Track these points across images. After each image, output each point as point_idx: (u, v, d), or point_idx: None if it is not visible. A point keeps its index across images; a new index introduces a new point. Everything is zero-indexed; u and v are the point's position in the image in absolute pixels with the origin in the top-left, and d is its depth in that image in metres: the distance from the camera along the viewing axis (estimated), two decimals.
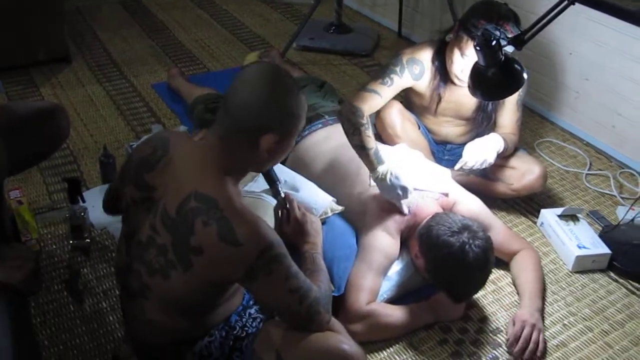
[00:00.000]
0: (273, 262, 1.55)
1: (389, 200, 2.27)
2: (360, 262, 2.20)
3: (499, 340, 2.16)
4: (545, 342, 2.12)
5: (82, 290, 2.26)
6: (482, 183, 2.68)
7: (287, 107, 1.59)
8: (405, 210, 2.27)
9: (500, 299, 2.32)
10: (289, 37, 4.06)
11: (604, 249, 2.45)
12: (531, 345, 2.07)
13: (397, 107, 2.63)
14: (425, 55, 2.51)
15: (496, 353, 2.11)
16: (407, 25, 4.35)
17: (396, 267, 2.27)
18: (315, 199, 2.32)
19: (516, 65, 2.21)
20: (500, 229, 2.39)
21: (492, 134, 2.53)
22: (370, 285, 2.13)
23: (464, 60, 2.37)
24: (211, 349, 1.77)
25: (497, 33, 2.17)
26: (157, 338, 1.75)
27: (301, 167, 2.52)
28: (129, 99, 3.49)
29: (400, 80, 2.47)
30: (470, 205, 2.39)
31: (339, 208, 2.35)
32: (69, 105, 3.37)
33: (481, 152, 2.45)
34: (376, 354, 2.09)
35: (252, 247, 1.52)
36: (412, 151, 2.49)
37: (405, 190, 2.23)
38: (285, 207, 1.97)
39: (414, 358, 2.08)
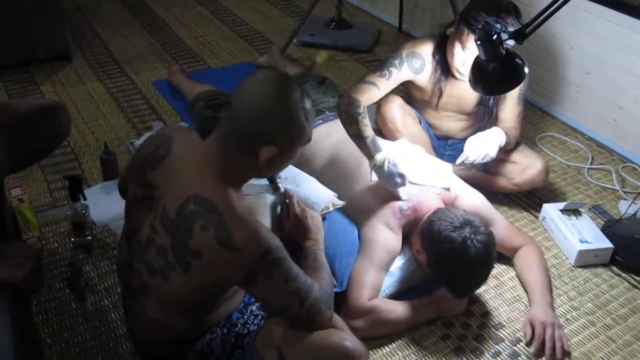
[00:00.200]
0: (272, 266, 1.54)
1: (387, 188, 2.27)
2: (361, 258, 2.20)
3: (502, 335, 2.16)
4: (566, 337, 2.13)
5: (84, 288, 2.26)
6: (483, 178, 2.67)
7: (289, 122, 1.56)
8: (404, 197, 2.27)
9: (502, 294, 2.32)
10: (289, 33, 4.05)
11: (607, 244, 2.45)
12: (557, 343, 2.07)
13: (398, 102, 2.63)
14: (426, 49, 2.50)
15: (499, 348, 2.11)
16: (408, 21, 4.34)
17: (398, 263, 2.27)
18: (317, 193, 2.31)
19: (517, 60, 2.20)
20: (502, 223, 2.39)
21: (493, 128, 2.52)
22: (372, 281, 2.13)
23: (465, 53, 2.37)
24: (212, 346, 1.77)
25: (498, 26, 2.17)
26: (159, 336, 1.75)
27: (302, 162, 2.52)
28: (130, 96, 3.48)
29: (399, 73, 2.47)
30: (472, 200, 2.38)
31: (340, 203, 2.35)
32: (69, 102, 3.37)
33: (483, 146, 2.44)
34: (378, 350, 2.08)
35: (250, 252, 1.51)
36: (413, 146, 2.49)
37: (403, 177, 2.23)
38: (285, 203, 1.97)
39: (416, 354, 2.08)
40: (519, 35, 2.13)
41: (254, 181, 2.32)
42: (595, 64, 3.15)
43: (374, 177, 2.33)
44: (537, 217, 2.69)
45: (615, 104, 3.11)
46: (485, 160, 2.47)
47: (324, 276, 1.78)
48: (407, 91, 2.73)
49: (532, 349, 2.09)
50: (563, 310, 2.27)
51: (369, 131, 2.30)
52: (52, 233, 2.50)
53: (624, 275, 2.43)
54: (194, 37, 4.25)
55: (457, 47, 2.38)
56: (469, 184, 2.47)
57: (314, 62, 3.65)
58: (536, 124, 3.35)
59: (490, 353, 2.09)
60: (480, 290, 2.28)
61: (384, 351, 2.08)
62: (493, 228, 2.20)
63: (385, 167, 2.23)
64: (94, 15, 4.49)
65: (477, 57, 2.24)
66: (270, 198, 2.19)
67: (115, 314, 2.16)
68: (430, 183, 2.38)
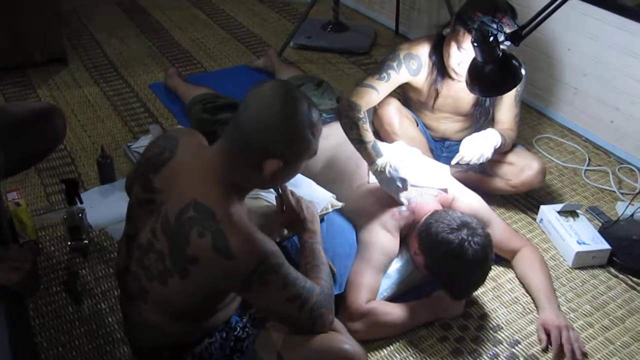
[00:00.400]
0: (269, 273, 1.53)
1: (388, 192, 2.27)
2: (359, 260, 2.20)
3: (500, 337, 2.15)
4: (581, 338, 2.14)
5: (81, 292, 2.25)
6: (480, 179, 2.67)
7: (296, 137, 1.55)
8: (405, 202, 2.27)
9: (500, 296, 2.32)
10: (285, 36, 4.05)
11: (604, 245, 2.45)
12: (574, 345, 2.08)
13: (395, 104, 2.63)
14: (423, 50, 2.50)
15: (497, 350, 2.10)
16: (404, 23, 4.34)
17: (396, 265, 2.27)
18: (315, 194, 2.31)
19: (514, 61, 2.20)
20: (500, 225, 2.39)
21: (489, 129, 2.52)
22: (369, 283, 2.13)
23: (461, 53, 2.36)
24: (211, 351, 1.76)
25: (494, 25, 2.17)
26: (156, 341, 1.74)
27: None
28: (126, 100, 3.48)
29: (397, 75, 2.47)
30: (469, 202, 2.39)
31: (339, 204, 2.34)
32: (65, 106, 3.36)
33: (478, 146, 2.44)
34: (376, 352, 2.08)
35: (246, 260, 1.50)
36: (411, 148, 2.49)
37: (404, 182, 2.23)
38: (279, 196, 1.95)
39: (414, 356, 2.07)
40: (516, 37, 2.14)
41: None
42: (591, 65, 3.15)
43: (372, 179, 2.33)
44: (534, 219, 2.69)
45: (612, 105, 3.11)
46: (480, 161, 2.47)
47: (324, 276, 1.74)
48: (403, 93, 2.73)
49: (551, 354, 2.09)
50: None
51: (369, 136, 2.30)
52: (48, 237, 2.49)
53: (621, 276, 2.43)
54: (190, 39, 4.24)
55: (453, 47, 2.38)
56: (466, 185, 2.47)
57: None
58: (533, 125, 3.35)
59: (489, 355, 2.09)
60: (478, 292, 2.28)
61: (382, 354, 2.08)
62: (490, 230, 2.21)
63: (387, 172, 2.23)
64: (90, 18, 4.48)
65: (474, 59, 2.24)
66: (266, 199, 2.18)
67: (112, 318, 2.15)
68: (428, 185, 2.38)
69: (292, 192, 1.94)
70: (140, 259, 1.66)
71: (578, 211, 2.60)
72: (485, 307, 2.27)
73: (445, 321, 2.19)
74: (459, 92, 2.53)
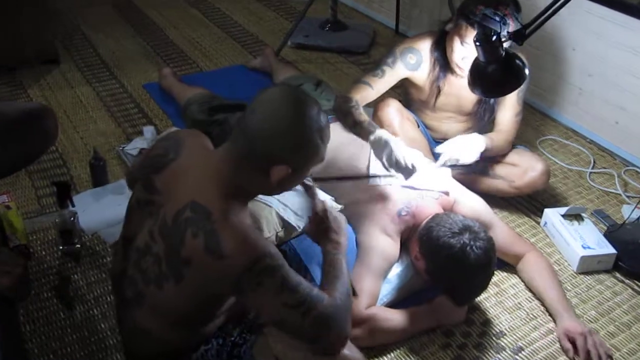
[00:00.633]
0: (264, 274, 1.49)
1: (385, 162, 2.25)
2: (358, 264, 2.18)
3: (503, 343, 2.12)
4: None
5: (73, 297, 2.22)
6: (482, 181, 2.64)
7: (305, 144, 1.54)
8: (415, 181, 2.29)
9: (503, 302, 2.28)
10: (283, 35, 4.02)
11: (610, 249, 2.42)
12: (600, 350, 2.05)
13: (396, 105, 2.60)
14: (424, 45, 2.50)
15: (500, 357, 2.08)
16: (404, 22, 4.31)
17: (396, 270, 2.25)
18: None
19: (517, 61, 2.19)
20: (502, 229, 2.37)
21: (474, 134, 2.51)
22: (369, 289, 2.10)
23: (464, 47, 2.35)
24: (208, 357, 1.73)
25: (497, 19, 2.16)
26: (152, 348, 1.72)
27: None
28: (120, 100, 3.44)
29: (392, 71, 2.49)
30: (471, 204, 2.37)
31: (338, 206, 2.33)
32: (57, 107, 3.32)
33: (458, 144, 2.44)
34: None
35: (237, 260, 1.46)
36: (411, 149, 2.45)
37: (397, 143, 2.26)
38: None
39: None
40: (519, 36, 2.11)
41: None
42: (597, 65, 3.12)
43: (371, 181, 2.32)
44: (538, 223, 2.66)
45: (617, 106, 3.08)
46: (467, 162, 2.45)
47: (339, 287, 1.66)
48: (404, 92, 2.72)
49: None
50: None
51: (363, 117, 2.40)
52: (39, 241, 2.45)
53: (627, 281, 2.40)
54: (185, 39, 4.21)
55: (456, 41, 2.36)
56: (468, 187, 2.46)
57: None
58: (537, 127, 3.32)
59: None
60: (481, 297, 2.25)
61: None
62: (493, 233, 2.19)
63: (383, 141, 2.26)
64: (83, 18, 4.44)
65: (476, 59, 2.22)
66: (265, 202, 2.15)
67: (104, 324, 2.12)
68: (429, 187, 2.36)
69: (322, 201, 1.89)
70: (137, 262, 1.64)
71: (583, 214, 2.57)
72: (488, 313, 2.24)
73: (447, 327, 2.16)
74: (461, 89, 2.50)
